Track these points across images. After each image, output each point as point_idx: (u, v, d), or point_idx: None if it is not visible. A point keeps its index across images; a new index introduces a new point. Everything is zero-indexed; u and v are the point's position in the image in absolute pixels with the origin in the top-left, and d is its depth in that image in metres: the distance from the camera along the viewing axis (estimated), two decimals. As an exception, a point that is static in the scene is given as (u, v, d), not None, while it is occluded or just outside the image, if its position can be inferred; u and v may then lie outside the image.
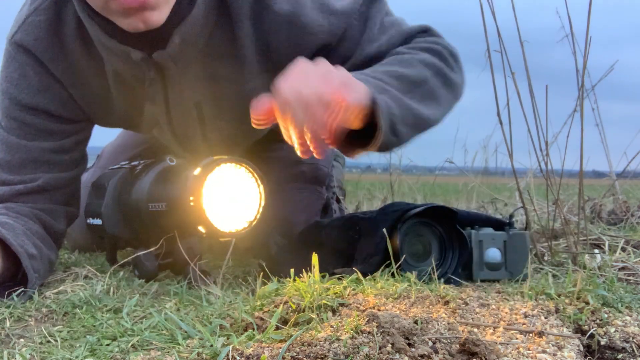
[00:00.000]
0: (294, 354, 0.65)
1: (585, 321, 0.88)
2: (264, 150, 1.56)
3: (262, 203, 1.12)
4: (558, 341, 0.78)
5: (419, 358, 0.67)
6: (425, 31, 1.20)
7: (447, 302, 0.89)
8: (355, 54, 1.16)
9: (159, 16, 1.03)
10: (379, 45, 1.17)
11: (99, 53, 1.19)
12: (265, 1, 1.12)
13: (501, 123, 1.32)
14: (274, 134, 1.40)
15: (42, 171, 1.22)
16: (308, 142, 0.92)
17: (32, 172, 1.22)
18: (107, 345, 0.79)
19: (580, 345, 0.81)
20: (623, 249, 1.46)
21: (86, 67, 1.21)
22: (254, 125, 0.95)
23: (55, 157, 1.24)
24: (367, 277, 0.97)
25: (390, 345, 0.67)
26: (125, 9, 1.00)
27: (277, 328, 0.76)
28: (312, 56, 1.00)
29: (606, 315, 0.90)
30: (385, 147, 1.00)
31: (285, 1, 1.13)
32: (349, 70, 0.98)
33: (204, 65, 1.20)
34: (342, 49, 1.16)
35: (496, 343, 0.74)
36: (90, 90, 1.24)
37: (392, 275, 1.01)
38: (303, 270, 0.93)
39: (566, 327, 0.85)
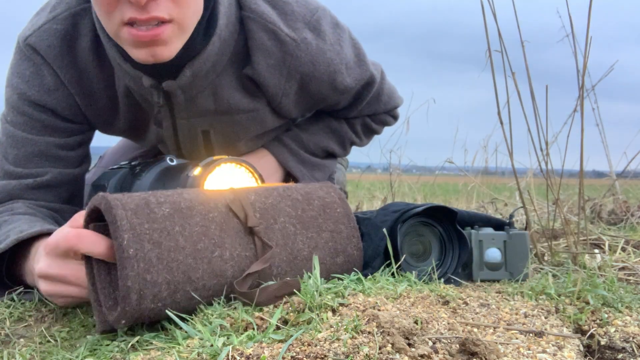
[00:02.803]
0: (294, 354, 0.65)
1: (585, 321, 0.88)
2: None
3: None
4: (558, 341, 0.78)
5: (419, 358, 0.67)
6: (389, 111, 1.51)
7: (447, 302, 0.89)
8: (338, 106, 1.40)
9: (168, 52, 1.05)
10: (359, 111, 1.43)
11: (111, 68, 1.22)
12: (289, 50, 1.19)
13: (501, 123, 1.32)
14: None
15: (49, 165, 1.24)
16: None
17: (40, 165, 1.23)
18: (107, 345, 0.79)
19: (580, 345, 0.81)
20: (623, 249, 1.46)
21: (96, 80, 1.24)
22: None
23: (61, 153, 1.26)
24: (367, 277, 0.97)
25: (390, 345, 0.67)
26: (136, 41, 1.02)
27: (277, 328, 0.76)
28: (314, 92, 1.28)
29: (606, 315, 0.89)
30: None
31: (307, 54, 1.21)
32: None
33: (213, 97, 1.24)
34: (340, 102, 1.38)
35: (496, 343, 0.74)
36: (97, 101, 1.27)
37: (392, 275, 1.01)
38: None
39: (566, 327, 0.85)
